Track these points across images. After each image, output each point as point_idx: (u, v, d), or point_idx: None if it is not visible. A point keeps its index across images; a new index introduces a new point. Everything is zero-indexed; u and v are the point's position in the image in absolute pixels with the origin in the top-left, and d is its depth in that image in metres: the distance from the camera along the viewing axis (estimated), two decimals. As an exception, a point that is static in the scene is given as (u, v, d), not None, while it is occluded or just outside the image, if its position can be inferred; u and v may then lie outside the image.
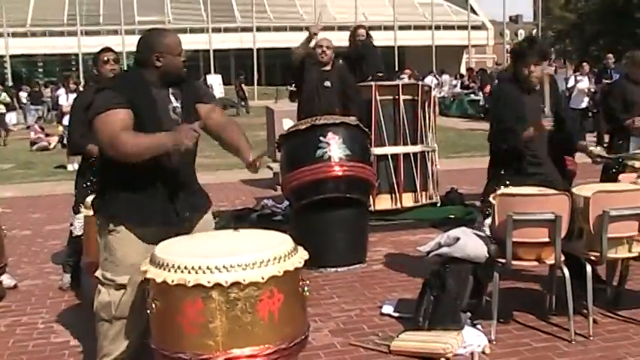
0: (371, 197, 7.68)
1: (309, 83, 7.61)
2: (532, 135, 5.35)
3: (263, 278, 3.17)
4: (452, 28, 61.22)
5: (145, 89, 3.78)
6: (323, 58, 7.57)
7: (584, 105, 16.06)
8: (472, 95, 27.56)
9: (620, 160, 6.95)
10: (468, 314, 4.85)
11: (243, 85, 33.83)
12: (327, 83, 7.47)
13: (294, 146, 6.73)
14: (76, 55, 49.51)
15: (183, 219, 3.84)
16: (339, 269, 6.50)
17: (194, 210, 3.93)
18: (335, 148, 6.53)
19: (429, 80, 26.51)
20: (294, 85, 8.12)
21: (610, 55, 17.18)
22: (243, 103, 33.33)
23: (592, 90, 16.27)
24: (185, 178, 3.92)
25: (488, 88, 23.70)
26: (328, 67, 7.64)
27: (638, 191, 4.91)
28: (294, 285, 3.38)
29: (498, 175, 5.49)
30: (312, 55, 7.71)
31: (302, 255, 3.45)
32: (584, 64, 17.49)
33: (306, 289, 3.47)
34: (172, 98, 3.87)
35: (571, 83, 17.01)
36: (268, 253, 3.25)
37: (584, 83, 16.34)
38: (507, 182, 5.28)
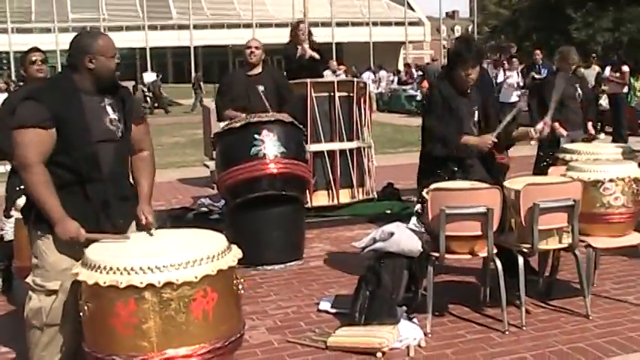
0: (307, 194, 7.70)
1: (239, 91, 7.52)
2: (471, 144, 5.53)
3: (196, 277, 3.16)
4: (389, 24, 61.74)
5: (75, 97, 3.70)
6: (252, 59, 7.51)
7: (513, 99, 16.34)
8: (410, 91, 27.77)
9: (551, 153, 7.12)
10: (404, 308, 4.90)
11: (201, 82, 33.49)
12: (261, 88, 7.38)
13: (229, 144, 6.70)
14: (7, 53, 48.58)
15: (117, 226, 3.78)
16: (276, 267, 6.51)
17: (128, 217, 3.88)
18: (270, 145, 6.52)
19: (367, 76, 26.65)
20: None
21: (538, 52, 17.52)
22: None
23: (521, 84, 16.57)
24: (117, 185, 3.86)
25: (426, 84, 23.90)
26: (258, 70, 7.56)
27: (567, 183, 5.02)
28: (228, 283, 3.37)
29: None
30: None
31: (236, 253, 3.44)
32: (514, 59, 17.80)
33: (240, 287, 3.46)
34: (109, 109, 3.81)
35: (500, 78, 17.28)
36: (201, 252, 3.24)
37: (514, 78, 16.63)
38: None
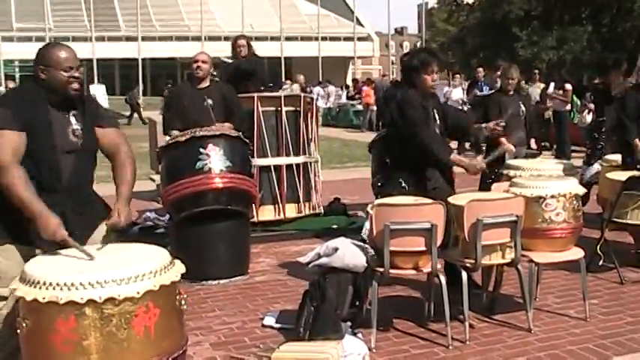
0: (253, 208, 7.68)
1: (186, 105, 7.48)
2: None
3: (138, 293, 3.11)
4: (338, 39, 62.12)
5: (42, 109, 3.69)
6: (199, 74, 7.47)
7: (457, 114, 16.53)
8: (358, 106, 27.91)
9: (496, 169, 7.21)
10: (348, 323, 4.91)
11: (138, 99, 33.11)
12: (209, 102, 7.35)
13: (174, 158, 6.65)
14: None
15: (73, 238, 3.73)
16: (221, 281, 6.47)
17: (85, 229, 3.83)
18: (215, 159, 6.48)
19: (317, 91, 26.74)
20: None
21: (480, 69, 17.78)
22: None
23: (464, 100, 16.78)
24: (76, 196, 3.82)
25: (371, 99, 24.04)
26: (206, 84, 7.52)
27: (509, 199, 5.09)
28: (171, 299, 3.34)
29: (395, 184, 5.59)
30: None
31: (179, 268, 3.41)
32: (456, 75, 18.04)
33: (183, 302, 3.43)
34: (73, 120, 3.78)
35: (443, 93, 17.49)
36: (144, 267, 3.20)
37: (457, 94, 16.84)
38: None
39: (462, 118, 6.34)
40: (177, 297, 3.39)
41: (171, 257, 3.42)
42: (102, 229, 4.00)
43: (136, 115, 31.30)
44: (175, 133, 7.13)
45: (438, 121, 5.76)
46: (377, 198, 5.61)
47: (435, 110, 5.77)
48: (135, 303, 3.12)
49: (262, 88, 8.81)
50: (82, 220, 3.83)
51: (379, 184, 5.83)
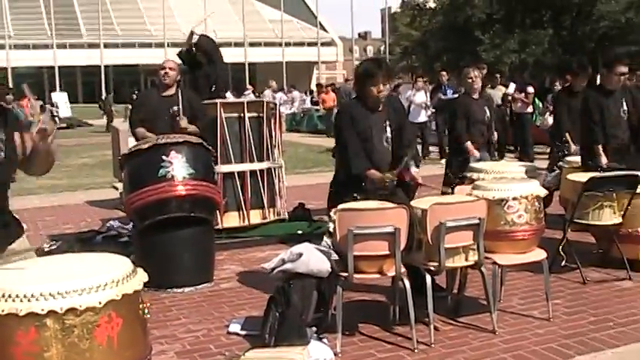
0: (218, 215, 7.65)
1: (152, 111, 7.46)
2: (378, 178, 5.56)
3: (100, 303, 3.08)
4: (302, 44, 62.20)
5: None
6: (166, 80, 7.45)
7: (421, 119, 16.61)
8: (322, 111, 27.90)
9: (460, 172, 7.26)
10: (314, 329, 4.91)
11: (111, 105, 32.86)
12: (175, 108, 7.34)
13: (137, 166, 6.61)
14: None
15: None
16: (186, 289, 6.44)
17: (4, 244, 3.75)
18: (178, 167, 6.46)
19: (279, 96, 26.70)
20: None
21: (444, 73, 17.88)
22: None
23: (428, 104, 16.85)
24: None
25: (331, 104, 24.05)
26: (172, 91, 7.52)
27: (472, 202, 5.12)
28: (134, 308, 3.31)
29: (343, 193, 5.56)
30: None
31: (142, 277, 3.38)
32: (419, 79, 18.12)
33: (146, 311, 3.41)
34: None
35: (406, 97, 17.53)
36: (105, 276, 3.17)
37: (420, 97, 16.91)
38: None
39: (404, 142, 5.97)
40: (141, 306, 3.36)
41: (133, 266, 3.40)
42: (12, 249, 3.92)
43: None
44: (140, 129, 7.14)
45: (389, 133, 5.73)
46: (328, 204, 5.60)
47: (387, 121, 5.75)
48: (97, 313, 3.08)
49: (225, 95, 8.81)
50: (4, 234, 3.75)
51: (331, 189, 5.79)
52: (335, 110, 22.48)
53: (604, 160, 7.20)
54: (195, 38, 9.36)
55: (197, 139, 6.80)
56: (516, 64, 30.86)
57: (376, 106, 5.69)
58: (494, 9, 32.01)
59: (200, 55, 9.24)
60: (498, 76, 17.69)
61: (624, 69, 7.27)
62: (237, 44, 54.06)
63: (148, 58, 37.81)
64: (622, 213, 6.49)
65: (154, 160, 6.45)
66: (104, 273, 3.20)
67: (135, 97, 8.17)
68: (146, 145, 6.53)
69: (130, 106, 13.11)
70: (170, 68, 7.48)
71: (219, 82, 9.46)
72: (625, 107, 7.35)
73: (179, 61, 8.84)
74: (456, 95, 13.11)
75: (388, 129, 5.73)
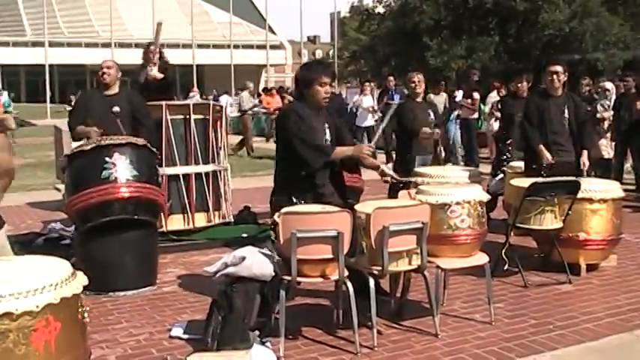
0: (162, 218, 7.58)
1: (93, 111, 7.37)
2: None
3: (38, 307, 3.03)
4: (251, 47, 62.03)
5: None
6: (105, 80, 7.39)
7: (368, 123, 16.71)
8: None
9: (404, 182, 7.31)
10: (257, 332, 4.89)
11: None
12: (116, 109, 7.26)
13: (79, 167, 6.50)
14: None
15: None
16: (128, 293, 6.35)
17: None
18: (121, 168, 6.37)
19: (224, 99, 26.55)
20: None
21: (391, 78, 18.02)
22: None
23: (375, 108, 16.96)
24: None
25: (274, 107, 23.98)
26: (115, 90, 7.45)
27: (415, 207, 5.14)
28: (73, 312, 3.27)
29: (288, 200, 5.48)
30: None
31: (81, 280, 3.34)
32: (366, 83, 18.24)
33: (85, 315, 3.36)
34: None
35: (354, 101, 17.63)
36: (43, 279, 3.12)
37: (368, 102, 17.01)
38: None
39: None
40: (80, 309, 3.32)
41: (73, 269, 3.35)
42: None
43: None
44: (81, 127, 7.07)
45: (328, 135, 5.69)
46: (271, 209, 5.55)
47: (326, 124, 5.71)
48: (34, 317, 3.04)
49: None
50: None
51: (272, 195, 5.73)
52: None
53: (548, 156, 7.34)
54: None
55: (141, 140, 6.73)
56: (463, 69, 31.15)
57: (319, 107, 5.67)
58: (442, 15, 32.28)
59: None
60: (443, 83, 17.87)
61: (557, 68, 7.49)
62: (185, 46, 53.66)
63: (95, 58, 37.22)
64: (563, 218, 6.60)
65: (97, 162, 6.36)
66: (42, 276, 3.17)
67: (74, 99, 7.96)
68: (89, 147, 6.43)
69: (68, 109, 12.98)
70: (108, 67, 7.42)
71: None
72: (567, 114, 7.49)
73: (124, 62, 8.76)
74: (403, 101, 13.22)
75: (327, 131, 5.70)
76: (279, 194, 5.59)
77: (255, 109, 30.67)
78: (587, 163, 7.53)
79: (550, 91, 7.55)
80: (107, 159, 6.37)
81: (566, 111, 7.50)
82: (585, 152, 7.54)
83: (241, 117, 21.09)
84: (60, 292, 3.14)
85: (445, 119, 14.47)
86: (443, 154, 8.78)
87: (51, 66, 50.84)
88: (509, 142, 9.49)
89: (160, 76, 8.44)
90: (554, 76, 7.44)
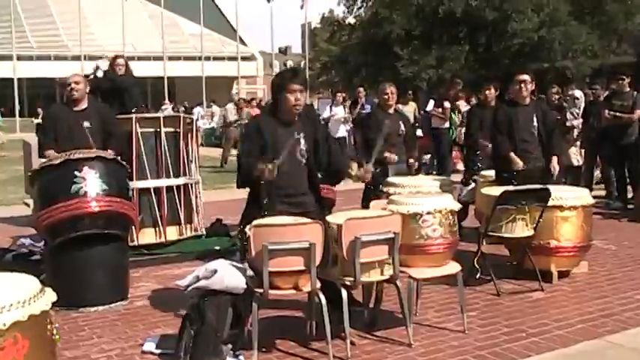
0: (134, 232, 7.53)
1: (63, 127, 7.32)
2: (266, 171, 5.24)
3: (5, 325, 2.98)
4: (222, 59, 61.88)
5: None
6: (74, 95, 7.33)
7: (341, 133, 16.73)
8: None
9: (379, 186, 7.33)
10: (229, 346, 4.85)
11: None
12: (87, 124, 7.21)
13: (48, 181, 6.44)
14: None
15: None
16: (99, 308, 6.28)
17: None
18: (91, 183, 6.32)
19: (197, 111, 26.55)
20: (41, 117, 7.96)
21: (360, 89, 18.08)
22: None
23: (346, 118, 16.98)
24: None
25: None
26: (84, 105, 7.40)
27: (387, 217, 5.14)
28: (42, 329, 3.21)
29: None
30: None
31: (50, 297, 3.29)
32: (338, 94, 18.28)
33: (55, 332, 3.32)
34: None
35: (327, 113, 17.64)
36: (10, 297, 3.07)
37: (339, 112, 17.04)
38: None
39: (336, 157, 5.83)
40: (49, 327, 3.27)
41: (42, 285, 3.31)
42: None
43: None
44: (51, 152, 6.99)
45: (303, 145, 5.52)
46: (240, 223, 5.49)
47: (302, 133, 5.53)
48: (1, 335, 2.98)
49: (134, 110, 8.75)
50: None
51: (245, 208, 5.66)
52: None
53: (520, 163, 7.39)
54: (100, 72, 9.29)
55: (111, 154, 6.69)
56: (434, 79, 31.36)
57: (290, 118, 5.52)
58: (412, 25, 32.51)
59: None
60: (411, 93, 17.97)
61: (524, 77, 7.54)
62: (155, 58, 53.46)
63: (64, 72, 36.96)
64: (534, 226, 6.63)
65: (67, 176, 6.30)
66: (9, 293, 3.11)
67: (41, 112, 7.78)
68: (58, 161, 6.38)
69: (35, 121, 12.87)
70: (76, 82, 7.38)
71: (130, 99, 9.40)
72: (535, 122, 7.54)
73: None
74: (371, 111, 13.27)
75: (302, 141, 5.52)
76: (247, 208, 5.55)
77: (240, 121, 30.74)
78: (557, 168, 7.60)
79: (518, 99, 7.61)
80: (77, 173, 6.31)
81: (534, 119, 7.56)
82: (555, 158, 7.60)
83: (225, 129, 20.99)
84: (28, 309, 3.09)
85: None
86: (416, 165, 8.77)
87: (19, 79, 50.40)
88: (478, 151, 9.52)
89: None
90: (522, 85, 7.50)
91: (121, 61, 9.03)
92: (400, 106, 14.81)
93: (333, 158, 5.72)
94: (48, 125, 7.61)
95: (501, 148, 7.58)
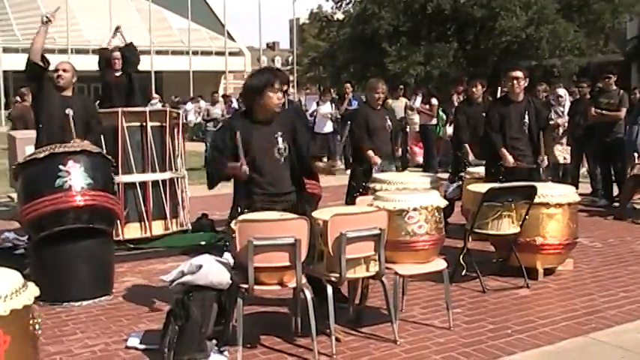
0: (119, 226, 7.49)
1: (49, 108, 7.27)
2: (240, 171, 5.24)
3: (-14, 320, 2.96)
4: (209, 53, 61.62)
5: None
6: (60, 82, 7.29)
7: (327, 129, 16.73)
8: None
9: (364, 183, 7.32)
10: (214, 341, 4.84)
11: None
12: (69, 111, 7.17)
13: (33, 175, 6.38)
14: None
15: None
16: (83, 303, 6.24)
17: None
18: (76, 177, 6.27)
19: (190, 107, 26.42)
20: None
21: (348, 85, 18.07)
22: None
23: (334, 115, 16.97)
24: None
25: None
26: (69, 93, 7.35)
27: (373, 213, 5.13)
28: (23, 324, 3.18)
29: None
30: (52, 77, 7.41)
31: (32, 292, 3.26)
32: (327, 93, 18.28)
33: (38, 327, 3.28)
34: None
35: (313, 108, 17.63)
36: (-8, 291, 3.04)
37: (326, 108, 17.03)
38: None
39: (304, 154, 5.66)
40: (31, 321, 3.24)
41: (24, 280, 3.27)
42: None
43: None
44: None
45: (281, 144, 5.44)
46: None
47: (279, 132, 5.45)
48: (-18, 330, 2.96)
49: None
50: None
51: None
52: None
53: (511, 160, 7.40)
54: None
55: (96, 148, 6.64)
56: (422, 76, 31.34)
57: (268, 118, 5.44)
58: (400, 22, 32.42)
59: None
60: (402, 88, 17.96)
61: (518, 73, 7.56)
62: (143, 52, 53.18)
63: (51, 65, 36.84)
64: (520, 223, 6.64)
65: (51, 170, 6.25)
66: (-10, 287, 3.08)
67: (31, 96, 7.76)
68: (42, 155, 6.32)
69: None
70: (64, 70, 7.33)
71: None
72: (527, 120, 7.55)
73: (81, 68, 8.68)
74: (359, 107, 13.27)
75: (280, 140, 5.43)
76: (233, 202, 5.53)
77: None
78: (545, 161, 7.62)
79: (511, 96, 7.62)
80: (61, 167, 6.26)
81: (526, 116, 7.56)
82: (543, 154, 7.61)
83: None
84: (10, 303, 3.05)
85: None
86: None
87: (5, 72, 50.13)
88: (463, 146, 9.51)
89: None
90: (515, 82, 7.49)
91: (117, 54, 9.00)
92: (390, 101, 14.82)
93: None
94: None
95: (493, 144, 7.57)
